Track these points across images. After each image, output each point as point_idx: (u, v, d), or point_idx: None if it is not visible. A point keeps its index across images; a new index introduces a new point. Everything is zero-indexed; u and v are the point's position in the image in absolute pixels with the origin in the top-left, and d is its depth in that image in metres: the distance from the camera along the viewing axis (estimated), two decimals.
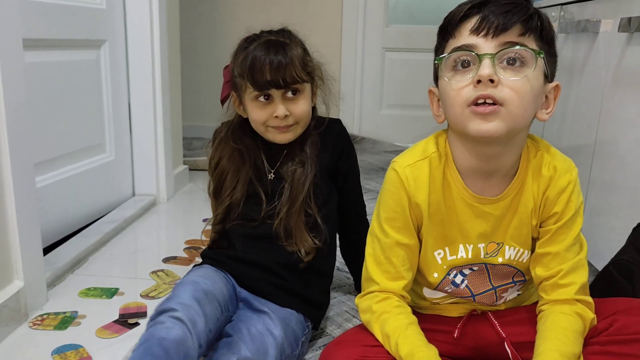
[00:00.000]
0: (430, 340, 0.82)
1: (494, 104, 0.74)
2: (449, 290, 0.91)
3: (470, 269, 0.88)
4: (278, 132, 1.04)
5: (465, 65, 0.76)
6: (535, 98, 0.77)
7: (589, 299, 0.83)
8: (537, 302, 0.88)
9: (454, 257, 0.87)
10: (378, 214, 0.89)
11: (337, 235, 1.20)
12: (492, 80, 0.73)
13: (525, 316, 0.90)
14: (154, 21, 1.83)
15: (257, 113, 1.03)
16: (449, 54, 0.77)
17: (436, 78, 0.83)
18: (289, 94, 1.02)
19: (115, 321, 1.15)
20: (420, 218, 0.86)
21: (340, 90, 3.18)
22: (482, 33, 0.75)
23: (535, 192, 0.83)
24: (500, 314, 0.92)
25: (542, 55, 0.76)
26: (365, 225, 1.14)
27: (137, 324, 1.14)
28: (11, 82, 1.09)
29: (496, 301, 0.92)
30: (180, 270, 1.39)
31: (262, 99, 1.02)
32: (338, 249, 1.21)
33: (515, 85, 0.74)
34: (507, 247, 0.86)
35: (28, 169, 1.16)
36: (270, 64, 0.98)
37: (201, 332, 0.86)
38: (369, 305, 0.87)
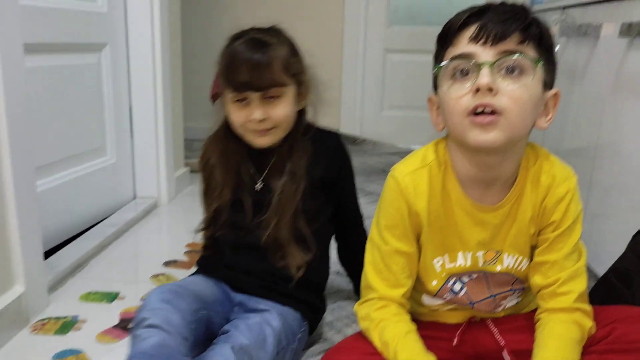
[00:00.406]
0: (429, 347, 0.82)
1: (492, 112, 0.74)
2: (447, 298, 0.91)
3: (469, 276, 0.88)
4: (257, 136, 1.00)
5: (464, 73, 0.76)
6: (534, 106, 0.77)
7: (588, 307, 0.83)
8: (536, 310, 0.87)
9: (453, 264, 0.87)
10: (378, 222, 0.89)
11: (335, 243, 1.19)
12: (490, 89, 0.73)
13: (524, 324, 0.90)
14: (155, 24, 1.84)
15: (235, 115, 1.00)
16: (447, 62, 0.77)
17: (435, 86, 0.83)
18: (268, 97, 0.97)
19: (115, 326, 1.15)
20: (419, 226, 0.86)
21: (342, 91, 3.21)
22: (481, 41, 0.74)
23: (534, 201, 0.83)
24: (499, 322, 0.92)
25: (540, 64, 0.76)
26: (363, 231, 1.14)
27: None
28: (12, 87, 1.09)
29: (495, 308, 0.92)
30: (180, 274, 1.40)
31: (240, 100, 0.98)
32: (333, 257, 1.19)
33: (514, 93, 0.74)
34: (505, 255, 0.86)
35: (29, 173, 1.17)
36: (248, 64, 0.94)
37: (180, 325, 0.85)
38: (367, 312, 0.87)
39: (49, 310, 1.22)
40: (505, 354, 0.88)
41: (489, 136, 0.74)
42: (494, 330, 0.91)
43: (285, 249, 1.02)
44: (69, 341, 1.10)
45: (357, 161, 2.76)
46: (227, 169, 1.05)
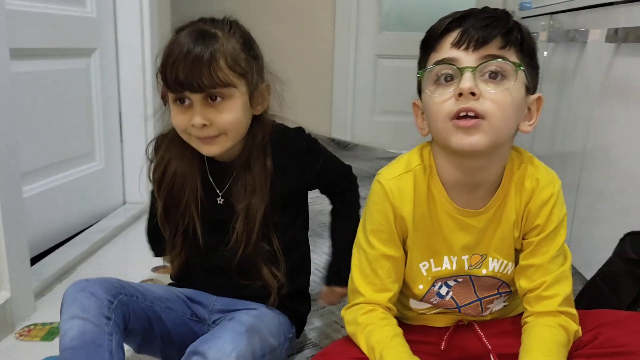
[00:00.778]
0: (416, 352, 0.82)
1: (475, 117, 0.74)
2: (434, 302, 0.91)
3: (455, 280, 0.88)
4: (202, 143, 0.88)
5: (448, 79, 0.76)
6: (517, 110, 0.77)
7: (573, 310, 0.83)
8: (522, 313, 0.87)
9: (439, 268, 0.87)
10: (364, 226, 0.89)
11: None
12: (473, 93, 0.73)
13: (511, 328, 0.90)
14: (145, 29, 1.84)
15: (176, 118, 0.87)
16: (430, 67, 0.78)
17: (420, 91, 0.83)
18: (211, 100, 0.84)
19: None
20: (405, 230, 0.86)
21: (333, 97, 3.22)
22: (463, 46, 0.75)
23: (518, 204, 0.84)
24: (486, 325, 0.92)
25: (522, 68, 0.76)
26: (354, 194, 1.10)
27: None
28: None
29: (482, 312, 0.92)
30: (169, 279, 1.39)
31: (179, 102, 0.85)
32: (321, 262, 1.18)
33: (497, 97, 0.74)
34: (490, 259, 0.86)
35: (15, 179, 1.16)
36: (186, 59, 0.80)
37: (96, 307, 0.81)
38: (354, 317, 0.87)
39: (35, 316, 1.21)
40: (492, 358, 0.88)
41: (472, 139, 0.74)
42: (481, 334, 0.91)
43: (259, 272, 0.95)
44: (55, 347, 1.07)
45: None
46: (190, 181, 0.93)
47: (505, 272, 0.87)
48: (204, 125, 0.84)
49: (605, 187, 1.32)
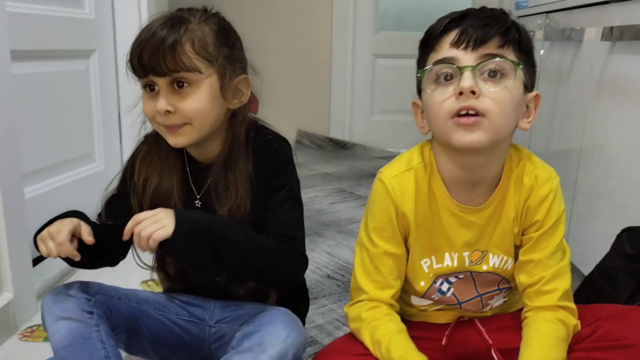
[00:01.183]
0: (418, 348, 0.83)
1: (476, 114, 0.75)
2: (435, 298, 0.92)
3: (456, 277, 0.90)
4: (168, 133, 0.84)
5: (448, 78, 0.78)
6: (515, 108, 0.78)
7: (572, 305, 0.85)
8: (522, 309, 0.89)
9: (440, 265, 0.88)
10: (366, 225, 0.89)
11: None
12: (473, 92, 0.74)
13: (512, 323, 0.91)
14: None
15: (145, 106, 0.84)
16: (430, 67, 0.79)
17: (419, 90, 0.84)
18: (176, 86, 0.80)
19: None
20: (407, 228, 0.87)
21: (331, 96, 3.23)
22: (462, 46, 0.76)
23: (517, 201, 0.85)
24: (487, 321, 0.93)
25: (521, 67, 0.78)
26: (282, 250, 0.85)
27: None
28: None
29: (482, 308, 0.93)
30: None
31: (148, 88, 0.83)
32: (324, 260, 1.17)
33: (496, 96, 0.75)
34: (491, 255, 0.88)
35: (16, 180, 1.16)
36: (151, 41, 0.78)
37: (77, 305, 0.82)
38: (358, 313, 0.88)
39: (37, 317, 1.21)
40: (493, 353, 0.89)
41: (473, 137, 0.76)
42: (482, 329, 0.92)
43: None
44: None
45: (347, 165, 2.81)
46: (176, 189, 0.89)
47: (505, 267, 0.88)
48: (168, 111, 0.80)
49: (602, 184, 1.33)
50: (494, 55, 0.76)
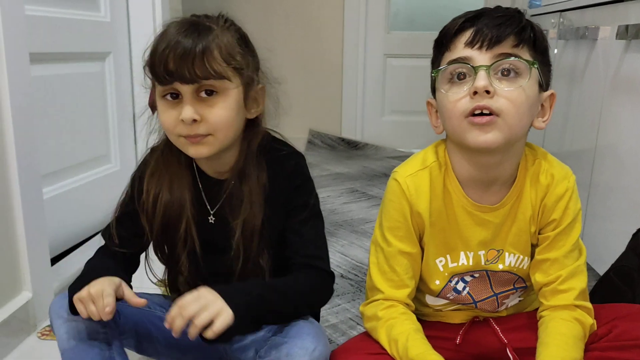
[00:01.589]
0: (433, 347, 0.83)
1: (490, 114, 0.75)
2: (450, 297, 0.92)
3: (472, 275, 0.90)
4: (189, 144, 0.80)
5: (462, 77, 0.78)
6: (530, 107, 0.78)
7: (589, 304, 0.84)
8: (538, 308, 0.89)
9: (455, 264, 0.89)
10: (381, 224, 0.90)
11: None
12: (488, 92, 0.75)
13: (527, 322, 0.91)
14: (158, 32, 1.86)
15: (164, 115, 0.79)
16: (445, 66, 0.79)
17: (434, 90, 0.84)
18: (203, 94, 0.77)
19: None
20: (421, 226, 0.87)
21: (343, 96, 3.24)
22: (477, 45, 0.76)
23: (533, 200, 0.85)
24: (502, 321, 0.93)
25: (536, 66, 0.78)
26: (312, 282, 0.87)
27: None
28: (18, 95, 1.11)
29: (498, 307, 0.93)
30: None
31: (169, 96, 0.78)
32: (337, 259, 1.17)
33: (511, 95, 0.76)
34: (507, 254, 0.88)
35: (35, 181, 1.18)
36: (176, 48, 0.74)
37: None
38: (374, 312, 0.88)
39: None
40: (508, 353, 0.89)
41: (488, 136, 0.76)
42: (497, 329, 0.92)
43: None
44: None
45: (359, 165, 2.81)
46: (188, 205, 0.86)
47: (521, 266, 0.88)
48: (194, 120, 0.76)
49: (617, 183, 1.32)
50: (508, 55, 0.76)
